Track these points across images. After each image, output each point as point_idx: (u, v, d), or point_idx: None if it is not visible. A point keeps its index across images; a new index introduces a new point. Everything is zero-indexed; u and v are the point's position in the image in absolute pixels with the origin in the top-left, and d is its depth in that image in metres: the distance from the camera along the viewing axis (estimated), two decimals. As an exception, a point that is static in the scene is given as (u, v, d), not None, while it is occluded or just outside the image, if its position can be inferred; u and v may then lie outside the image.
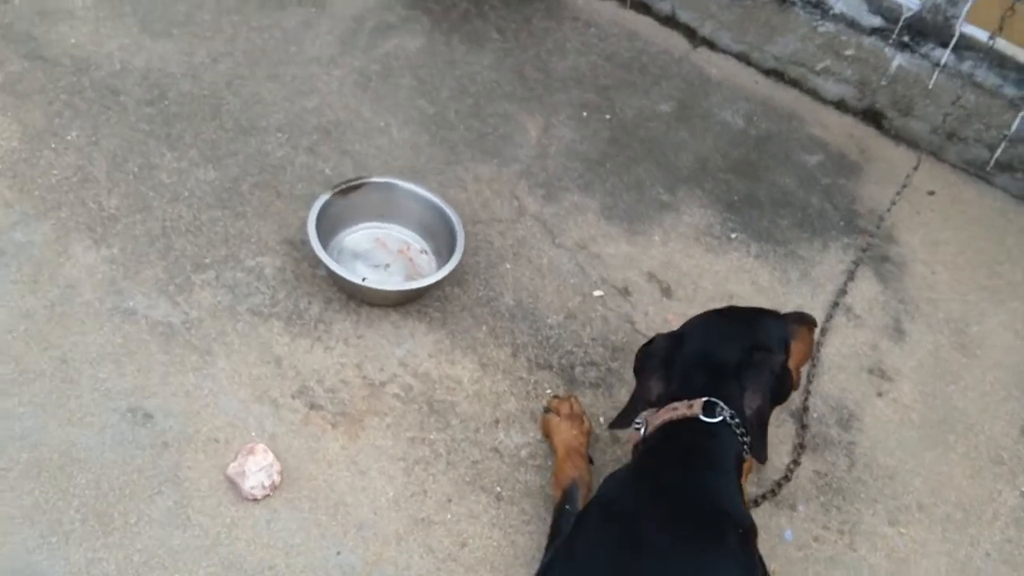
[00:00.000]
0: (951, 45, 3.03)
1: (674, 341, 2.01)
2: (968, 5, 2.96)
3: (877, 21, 3.11)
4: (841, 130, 3.27)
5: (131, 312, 2.22)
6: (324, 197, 2.39)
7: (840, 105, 3.31)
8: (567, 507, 1.98)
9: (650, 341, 2.07)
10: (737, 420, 1.84)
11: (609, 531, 1.74)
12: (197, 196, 2.48)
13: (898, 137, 3.27)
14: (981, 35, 3.00)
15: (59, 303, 2.19)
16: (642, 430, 1.93)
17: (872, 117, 3.27)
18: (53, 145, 2.49)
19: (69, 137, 2.52)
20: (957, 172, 3.23)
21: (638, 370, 2.06)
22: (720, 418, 1.83)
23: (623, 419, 2.01)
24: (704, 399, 1.85)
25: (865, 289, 2.76)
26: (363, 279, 2.30)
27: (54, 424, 1.99)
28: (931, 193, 3.12)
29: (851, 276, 2.76)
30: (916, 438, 2.42)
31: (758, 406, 1.89)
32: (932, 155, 3.22)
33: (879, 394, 2.49)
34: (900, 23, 3.08)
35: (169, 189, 2.48)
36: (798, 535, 2.18)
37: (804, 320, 2.18)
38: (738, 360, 1.92)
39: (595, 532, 1.77)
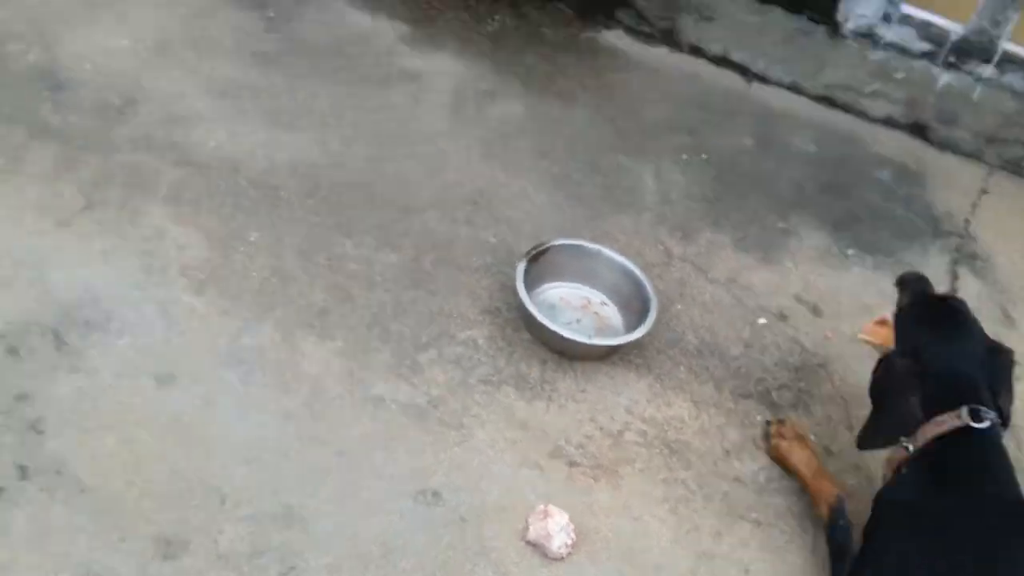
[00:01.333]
0: (993, 62, 3.40)
1: (914, 361, 2.20)
2: (1011, 25, 3.34)
3: (926, 46, 3.46)
4: (894, 144, 3.61)
5: (380, 399, 2.31)
6: (521, 265, 2.53)
7: (888, 122, 3.65)
8: (840, 522, 2.16)
9: (886, 366, 2.23)
10: (1000, 420, 2.09)
11: (933, 534, 1.95)
12: (390, 280, 2.58)
13: (943, 146, 3.63)
14: (1022, 52, 3.39)
15: (313, 400, 2.26)
16: (909, 447, 2.14)
17: (918, 130, 3.63)
18: (241, 249, 2.55)
19: (252, 238, 2.58)
20: (998, 172, 3.62)
21: (884, 393, 2.21)
22: (988, 422, 2.06)
23: (880, 439, 2.19)
24: (969, 407, 2.07)
25: (969, 284, 3.08)
26: (589, 337, 2.46)
27: (358, 517, 2.07)
28: (985, 192, 3.49)
29: (955, 275, 3.08)
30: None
31: (1011, 404, 2.15)
32: (976, 159, 3.60)
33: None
34: (947, 46, 3.43)
35: (362, 276, 2.57)
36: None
37: (924, 282, 2.39)
38: (986, 367, 2.16)
39: (912, 537, 1.98)
